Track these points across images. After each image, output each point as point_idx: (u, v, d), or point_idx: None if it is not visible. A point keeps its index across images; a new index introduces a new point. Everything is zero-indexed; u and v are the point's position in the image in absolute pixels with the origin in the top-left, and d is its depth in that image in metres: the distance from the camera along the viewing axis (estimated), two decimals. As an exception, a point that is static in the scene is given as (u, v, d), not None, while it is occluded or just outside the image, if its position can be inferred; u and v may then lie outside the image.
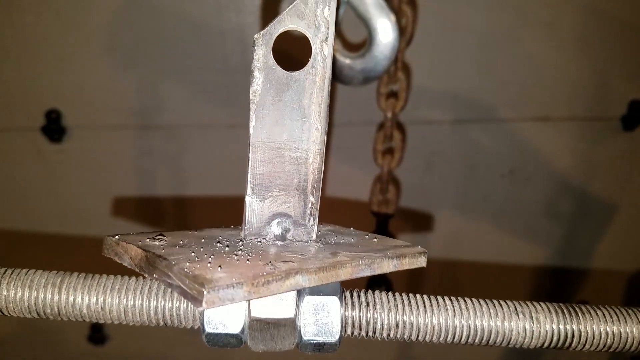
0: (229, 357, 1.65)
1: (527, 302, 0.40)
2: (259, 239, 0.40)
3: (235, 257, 0.32)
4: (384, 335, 0.39)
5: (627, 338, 0.39)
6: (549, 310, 0.40)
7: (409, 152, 1.12)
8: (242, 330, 0.36)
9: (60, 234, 1.42)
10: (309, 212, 0.42)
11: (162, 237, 0.35)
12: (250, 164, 0.41)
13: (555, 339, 0.39)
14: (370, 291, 0.40)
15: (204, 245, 0.37)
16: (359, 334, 0.39)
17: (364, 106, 1.30)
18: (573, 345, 0.39)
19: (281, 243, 0.39)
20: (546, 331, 0.39)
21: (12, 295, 0.36)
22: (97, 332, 1.57)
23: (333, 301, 0.36)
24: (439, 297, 0.40)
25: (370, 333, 0.38)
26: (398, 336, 0.38)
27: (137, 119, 1.33)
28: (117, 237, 0.35)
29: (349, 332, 0.38)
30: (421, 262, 0.40)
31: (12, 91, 1.29)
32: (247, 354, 1.69)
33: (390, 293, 0.40)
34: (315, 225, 0.42)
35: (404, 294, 0.39)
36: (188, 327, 0.38)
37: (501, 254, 1.50)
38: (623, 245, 1.50)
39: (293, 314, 0.36)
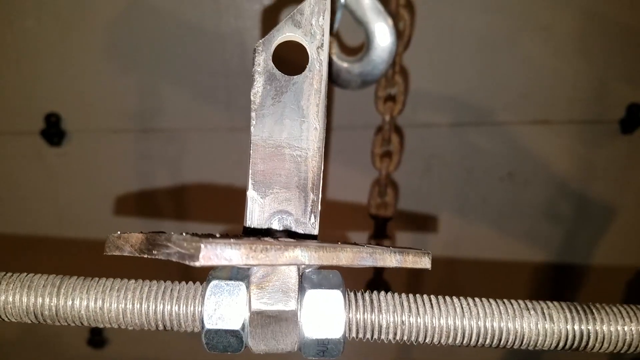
0: (228, 356, 1.67)
1: (535, 300, 0.40)
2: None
3: (234, 239, 0.34)
4: (390, 337, 0.38)
5: None
6: (561, 308, 0.39)
7: (407, 156, 1.14)
8: (243, 327, 0.36)
9: (60, 238, 1.44)
10: (309, 209, 0.43)
11: (164, 232, 0.36)
12: (251, 160, 0.44)
13: (570, 336, 0.38)
14: (375, 292, 0.40)
15: (204, 235, 0.39)
16: (364, 336, 0.39)
17: (362, 110, 1.32)
18: (590, 344, 0.38)
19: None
20: (560, 329, 0.38)
21: (11, 299, 0.37)
22: (97, 336, 1.59)
23: (336, 295, 0.37)
24: (446, 297, 0.40)
25: (375, 335, 0.38)
26: (405, 338, 0.38)
27: (137, 122, 1.36)
28: (119, 232, 0.37)
29: (353, 334, 0.38)
30: (425, 262, 0.39)
31: (12, 95, 1.31)
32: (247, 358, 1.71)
33: (395, 293, 0.40)
34: (317, 222, 0.43)
35: (409, 295, 0.40)
36: (188, 330, 0.38)
37: (500, 256, 1.51)
38: (622, 248, 1.52)
39: (295, 307, 0.36)
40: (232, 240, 0.32)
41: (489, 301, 0.39)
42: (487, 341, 0.38)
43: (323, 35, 0.43)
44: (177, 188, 1.41)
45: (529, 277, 1.55)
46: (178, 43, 1.28)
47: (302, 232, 0.43)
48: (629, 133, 1.40)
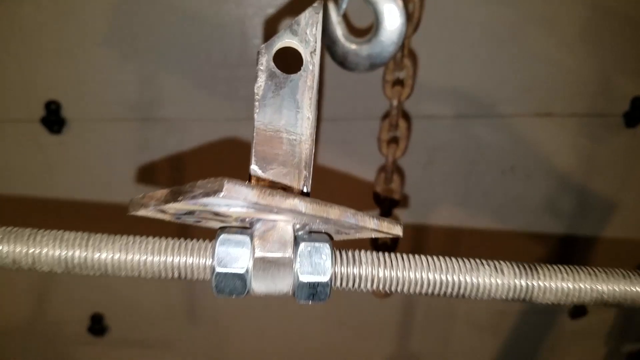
0: (227, 345, 1.74)
1: (490, 260, 0.50)
2: None
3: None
4: (368, 286, 0.48)
5: (581, 291, 0.48)
6: (511, 265, 0.49)
7: (410, 147, 1.18)
8: (247, 272, 0.45)
9: (58, 226, 1.50)
10: (302, 183, 0.54)
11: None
12: (254, 142, 0.54)
13: (518, 288, 0.48)
14: (356, 250, 0.50)
15: None
16: (347, 285, 0.48)
17: (367, 99, 1.38)
18: (534, 296, 0.48)
19: None
20: (509, 282, 0.48)
21: (45, 251, 0.46)
22: (97, 324, 1.65)
23: (325, 246, 0.47)
24: (415, 255, 0.49)
25: (356, 285, 0.48)
26: (380, 287, 0.48)
27: (137, 111, 1.40)
28: (143, 193, 0.45)
29: (338, 284, 0.48)
30: (397, 230, 0.49)
31: (11, 82, 1.36)
32: (244, 343, 1.76)
33: (373, 252, 0.49)
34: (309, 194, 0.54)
35: (385, 253, 0.49)
36: (200, 278, 0.47)
37: (501, 249, 1.57)
38: (624, 241, 1.57)
39: (291, 254, 0.46)
40: (247, 183, 0.41)
41: (450, 258, 0.50)
42: (448, 290, 0.48)
43: (316, 42, 0.54)
44: (177, 177, 1.47)
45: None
46: (179, 32, 1.33)
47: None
48: (633, 127, 1.45)
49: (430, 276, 0.48)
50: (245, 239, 0.46)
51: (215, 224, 0.50)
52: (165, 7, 1.30)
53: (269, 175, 0.53)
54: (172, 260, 0.46)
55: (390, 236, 0.50)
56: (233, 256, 0.45)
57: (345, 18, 0.98)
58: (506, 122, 1.45)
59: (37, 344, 1.70)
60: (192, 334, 1.70)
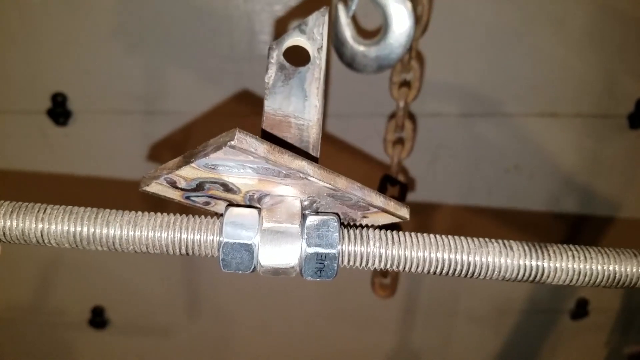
0: (229, 338, 1.75)
1: (499, 240, 0.50)
2: None
3: None
4: (375, 265, 0.48)
5: (592, 272, 0.48)
6: (520, 245, 0.49)
7: (415, 144, 1.18)
8: (254, 243, 0.46)
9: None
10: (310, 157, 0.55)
11: None
12: (263, 125, 0.56)
13: (528, 270, 0.48)
14: (361, 227, 0.50)
15: None
16: (354, 263, 0.49)
17: (373, 98, 1.39)
18: (544, 277, 0.48)
19: None
20: (519, 263, 0.48)
21: (54, 226, 0.47)
22: (98, 316, 1.66)
23: (332, 219, 0.47)
24: (423, 234, 0.49)
25: (363, 263, 0.48)
26: (388, 266, 0.48)
27: (143, 104, 1.41)
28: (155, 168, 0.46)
29: (344, 262, 0.48)
30: (404, 212, 0.50)
31: (18, 74, 1.37)
32: (245, 336, 1.77)
33: (381, 230, 0.49)
34: None
35: (393, 232, 0.49)
36: (208, 256, 0.47)
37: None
38: (626, 243, 1.57)
39: (298, 225, 0.46)
40: (258, 137, 0.43)
41: (459, 237, 0.50)
42: (457, 269, 0.48)
43: (322, 40, 0.57)
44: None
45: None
46: (185, 25, 1.33)
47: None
48: (637, 128, 1.45)
49: (439, 255, 0.48)
50: (254, 211, 0.47)
51: (223, 207, 0.50)
52: (172, 0, 1.31)
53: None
54: (180, 235, 0.47)
55: (397, 220, 0.51)
56: (241, 228, 0.46)
57: (354, 20, 0.98)
58: (511, 121, 1.46)
59: (37, 336, 1.70)
60: (193, 327, 1.71)
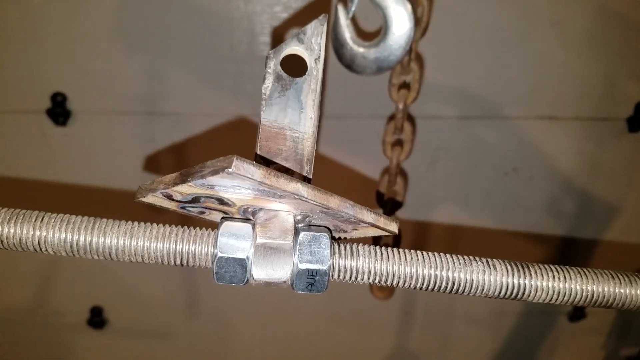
0: (228, 339, 1.75)
1: (484, 258, 0.52)
2: None
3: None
4: (365, 279, 0.50)
5: (572, 291, 0.50)
6: (503, 263, 0.51)
7: (414, 147, 1.19)
8: (248, 258, 0.47)
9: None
10: (304, 178, 0.56)
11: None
12: (259, 137, 0.57)
13: (510, 287, 0.50)
14: (353, 243, 0.51)
15: None
16: (343, 277, 0.50)
17: (372, 100, 1.39)
18: (525, 294, 0.50)
19: None
20: (501, 280, 0.50)
21: (51, 234, 0.47)
22: (97, 316, 1.66)
23: (324, 235, 0.48)
24: (411, 250, 0.51)
25: (353, 277, 0.50)
26: (377, 281, 0.49)
27: (142, 105, 1.41)
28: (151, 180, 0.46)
29: (335, 276, 0.50)
30: (393, 227, 0.51)
31: (18, 73, 1.37)
32: (244, 338, 1.77)
33: (370, 246, 0.51)
34: None
35: (382, 248, 0.51)
36: (202, 266, 0.48)
37: (502, 250, 1.58)
38: (626, 245, 1.58)
39: (291, 242, 0.47)
40: (254, 162, 0.43)
41: (445, 254, 0.51)
42: (442, 286, 0.50)
43: (320, 50, 0.58)
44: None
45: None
46: (186, 25, 1.33)
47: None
48: (636, 131, 1.45)
49: (426, 272, 0.49)
50: (247, 226, 0.48)
51: (218, 217, 0.51)
52: (172, 1, 1.31)
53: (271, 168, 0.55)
54: (175, 246, 0.48)
55: (387, 233, 0.52)
56: (235, 242, 0.47)
57: (353, 21, 0.97)
58: (510, 124, 1.46)
59: (36, 336, 1.71)
60: (192, 328, 1.72)
